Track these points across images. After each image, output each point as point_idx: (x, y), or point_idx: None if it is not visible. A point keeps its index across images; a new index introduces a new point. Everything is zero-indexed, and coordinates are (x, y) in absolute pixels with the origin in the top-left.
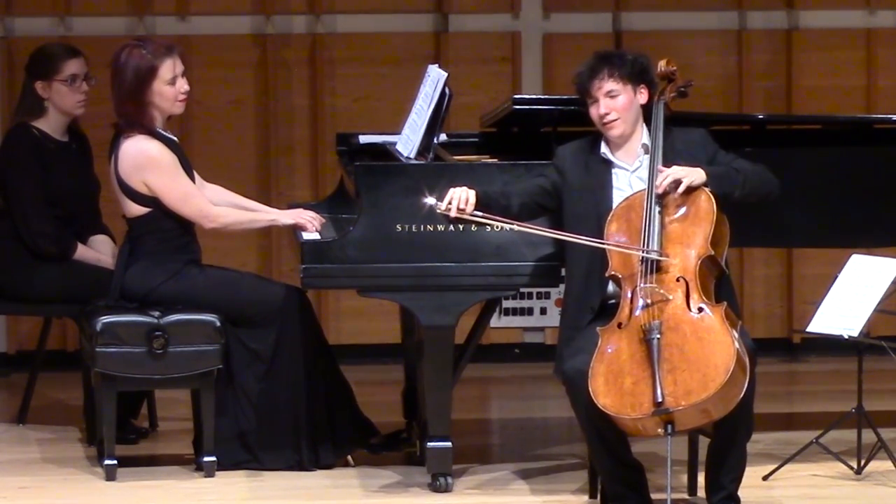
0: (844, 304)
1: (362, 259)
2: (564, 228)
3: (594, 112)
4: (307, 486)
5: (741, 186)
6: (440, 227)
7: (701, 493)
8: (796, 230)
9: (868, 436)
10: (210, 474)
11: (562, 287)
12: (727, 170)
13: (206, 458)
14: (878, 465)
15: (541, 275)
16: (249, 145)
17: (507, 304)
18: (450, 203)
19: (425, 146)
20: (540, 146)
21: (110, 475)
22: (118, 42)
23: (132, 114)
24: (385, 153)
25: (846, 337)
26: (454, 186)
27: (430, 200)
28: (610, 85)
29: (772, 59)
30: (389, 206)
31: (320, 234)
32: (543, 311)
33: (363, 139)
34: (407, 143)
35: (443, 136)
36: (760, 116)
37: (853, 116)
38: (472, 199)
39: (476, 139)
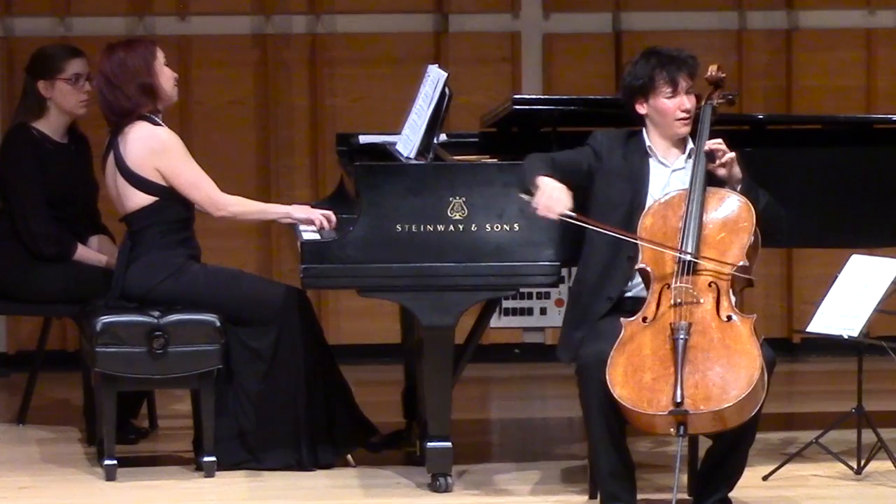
0: (844, 304)
1: (362, 259)
2: (592, 212)
3: (673, 104)
4: (307, 486)
5: (762, 204)
6: (440, 227)
7: None
8: (796, 230)
9: (868, 436)
10: (210, 474)
11: (562, 287)
12: (755, 186)
13: (206, 458)
14: (878, 465)
15: (541, 275)
16: (249, 145)
17: (507, 304)
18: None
19: (425, 146)
20: (540, 146)
21: (110, 475)
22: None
23: (145, 92)
24: (385, 153)
25: (846, 337)
26: (542, 178)
27: (525, 197)
28: (690, 81)
29: (772, 59)
30: (389, 206)
31: (320, 233)
32: (543, 311)
33: (363, 139)
34: (407, 143)
35: (443, 136)
36: (760, 116)
37: (853, 116)
38: (565, 199)
39: (476, 139)
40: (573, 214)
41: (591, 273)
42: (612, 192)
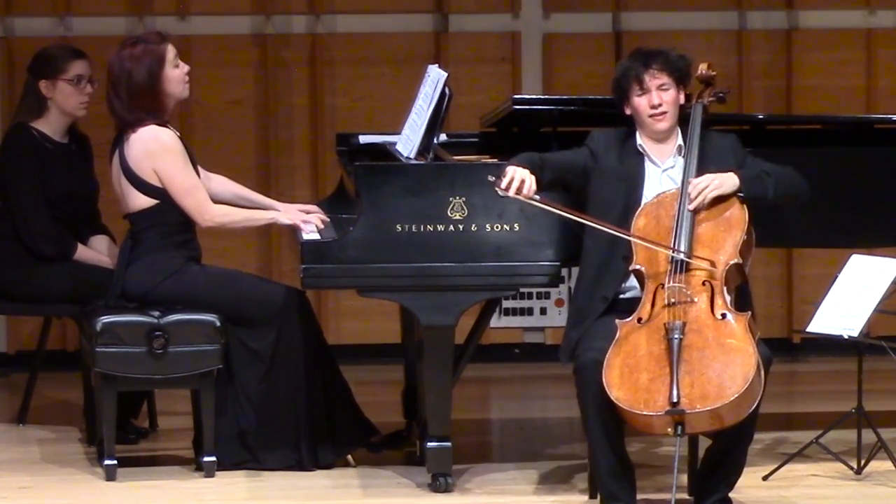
0: (844, 304)
1: (362, 259)
2: (588, 212)
3: (644, 102)
4: (307, 486)
5: (773, 188)
6: (440, 227)
7: None
8: (796, 230)
9: (868, 436)
10: (210, 474)
11: (562, 287)
12: (758, 173)
13: (206, 458)
14: (878, 465)
15: (541, 275)
16: (249, 145)
17: (507, 304)
18: (509, 183)
19: (425, 146)
20: (540, 146)
21: (110, 475)
22: (118, 42)
23: (148, 107)
24: (385, 153)
25: (846, 337)
26: (512, 165)
27: (491, 178)
28: (664, 78)
29: (772, 59)
30: (389, 206)
31: (320, 234)
32: (543, 311)
33: (363, 139)
34: (407, 143)
35: (443, 136)
36: (760, 116)
37: (853, 116)
38: (530, 183)
39: (476, 139)
40: (538, 198)
41: (588, 273)
42: (608, 191)
